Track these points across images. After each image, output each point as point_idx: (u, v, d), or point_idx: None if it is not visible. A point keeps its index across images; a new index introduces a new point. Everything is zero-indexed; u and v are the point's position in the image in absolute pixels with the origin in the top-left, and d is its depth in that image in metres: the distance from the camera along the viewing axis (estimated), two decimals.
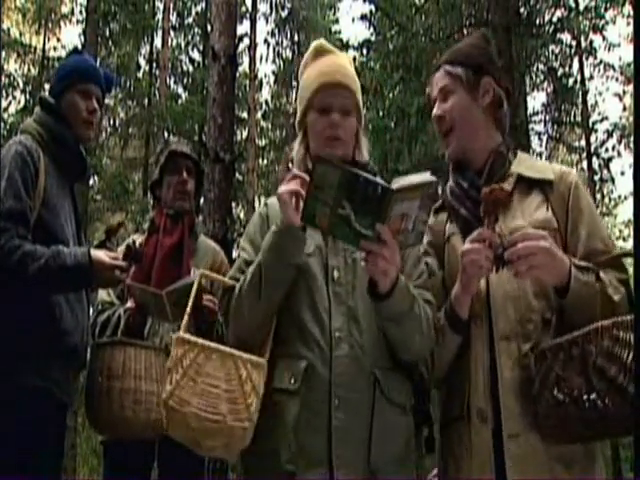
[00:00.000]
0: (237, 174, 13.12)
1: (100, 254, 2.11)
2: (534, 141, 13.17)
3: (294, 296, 1.66)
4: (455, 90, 1.80)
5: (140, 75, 15.87)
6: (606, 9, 10.80)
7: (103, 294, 2.63)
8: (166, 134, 13.23)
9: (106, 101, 2.41)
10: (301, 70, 1.88)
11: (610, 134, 12.89)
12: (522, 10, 9.99)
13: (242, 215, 16.15)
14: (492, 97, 1.82)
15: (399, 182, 1.44)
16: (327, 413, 1.57)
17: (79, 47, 12.74)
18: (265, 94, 18.43)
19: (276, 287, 1.63)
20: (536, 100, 14.89)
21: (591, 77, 13.81)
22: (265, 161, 17.25)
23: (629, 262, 1.58)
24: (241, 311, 1.65)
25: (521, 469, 1.54)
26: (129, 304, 2.51)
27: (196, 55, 16.87)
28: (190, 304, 1.69)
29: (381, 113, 10.88)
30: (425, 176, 1.47)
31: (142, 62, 16.62)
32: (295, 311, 1.66)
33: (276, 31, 18.14)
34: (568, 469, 1.56)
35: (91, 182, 12.91)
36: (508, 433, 1.57)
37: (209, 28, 11.62)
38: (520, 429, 1.56)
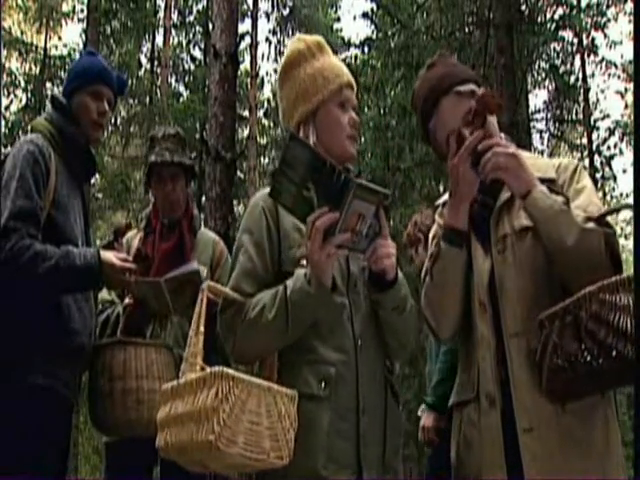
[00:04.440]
0: (238, 172, 13.13)
1: (109, 255, 2.11)
2: (535, 139, 13.18)
3: None
4: None
5: (141, 73, 15.87)
6: (608, 6, 10.80)
7: (103, 292, 2.61)
8: None
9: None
10: (301, 61, 1.81)
11: (612, 132, 12.89)
12: (523, 7, 9.98)
13: None
14: None
15: (359, 180, 1.46)
16: (355, 418, 1.58)
17: (81, 45, 12.78)
18: (266, 92, 18.44)
19: (304, 326, 1.60)
20: (538, 98, 14.99)
21: (593, 75, 13.81)
22: (266, 159, 17.24)
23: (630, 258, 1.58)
24: (259, 338, 1.59)
25: (537, 460, 1.57)
26: (127, 300, 2.50)
27: (197, 53, 16.88)
28: (201, 323, 1.59)
29: (382, 111, 10.88)
30: (381, 188, 1.49)
31: (143, 60, 16.65)
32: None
33: (277, 29, 18.13)
34: (583, 457, 1.57)
35: (92, 180, 12.92)
36: (523, 427, 1.59)
37: (210, 26, 11.63)
38: (534, 423, 1.59)
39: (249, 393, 1.39)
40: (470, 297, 1.74)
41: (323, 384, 1.58)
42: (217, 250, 2.78)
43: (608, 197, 14.28)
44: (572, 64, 13.45)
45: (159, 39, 16.04)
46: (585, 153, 13.76)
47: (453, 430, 1.79)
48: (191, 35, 16.89)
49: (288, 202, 1.51)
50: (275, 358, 1.61)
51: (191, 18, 16.96)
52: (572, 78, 13.38)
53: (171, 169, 2.71)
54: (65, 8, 15.74)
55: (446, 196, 1.87)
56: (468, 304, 1.75)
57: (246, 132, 15.93)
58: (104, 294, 2.62)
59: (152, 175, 2.73)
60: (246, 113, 16.16)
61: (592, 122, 13.36)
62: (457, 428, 1.76)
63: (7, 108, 12.92)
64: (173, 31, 16.13)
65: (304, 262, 1.60)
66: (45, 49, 14.78)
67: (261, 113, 17.53)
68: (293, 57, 1.82)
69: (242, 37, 14.17)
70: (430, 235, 1.93)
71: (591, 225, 1.58)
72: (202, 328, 1.52)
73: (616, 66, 13.30)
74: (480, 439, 1.66)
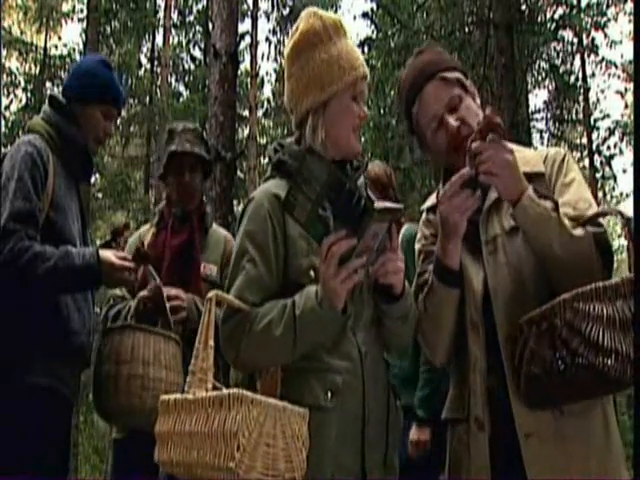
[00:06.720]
0: (238, 172, 13.14)
1: (108, 254, 2.11)
2: (535, 139, 13.16)
3: None
4: (462, 95, 1.76)
5: (141, 73, 15.88)
6: (608, 6, 10.80)
7: (115, 289, 2.61)
8: None
9: None
10: (317, 42, 1.68)
11: (612, 132, 12.89)
12: (524, 7, 9.99)
13: None
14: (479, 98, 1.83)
15: (377, 204, 1.43)
16: (360, 426, 1.56)
17: (81, 45, 12.76)
18: (266, 92, 18.46)
19: (312, 345, 1.56)
20: (538, 98, 15.02)
21: (593, 74, 13.81)
22: (266, 159, 17.25)
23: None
24: (264, 352, 1.54)
25: (537, 463, 1.57)
26: (143, 293, 2.46)
27: (197, 53, 16.90)
28: (210, 336, 1.48)
29: (382, 111, 10.89)
30: (397, 205, 1.48)
31: (143, 60, 16.67)
32: None
33: (277, 29, 18.12)
34: (584, 457, 1.57)
35: (92, 180, 12.93)
36: (524, 433, 1.58)
37: (210, 26, 11.62)
38: (532, 428, 1.58)
39: (266, 415, 1.33)
40: (464, 314, 1.71)
41: (330, 394, 1.53)
42: (228, 248, 2.75)
43: (608, 197, 14.29)
44: (572, 64, 13.48)
45: (159, 39, 16.07)
46: (585, 153, 13.76)
47: (447, 443, 1.78)
48: (191, 35, 16.90)
49: (301, 218, 1.45)
50: (278, 367, 1.56)
51: (191, 18, 16.98)
52: (572, 78, 13.40)
53: (191, 159, 2.74)
54: (65, 8, 15.76)
55: (432, 199, 1.85)
56: (462, 319, 1.72)
57: (246, 132, 15.93)
58: (115, 290, 2.62)
59: (170, 165, 2.75)
60: (246, 113, 16.16)
61: (592, 122, 13.37)
62: (450, 443, 1.76)
63: (7, 108, 12.94)
64: (173, 31, 16.15)
65: (312, 273, 1.57)
66: (45, 49, 14.79)
67: (261, 113, 17.54)
68: (309, 35, 1.68)
69: (242, 37, 14.20)
70: (416, 246, 1.89)
71: (580, 232, 1.55)
72: (212, 342, 1.43)
73: (616, 66, 13.30)
74: (469, 459, 1.66)
